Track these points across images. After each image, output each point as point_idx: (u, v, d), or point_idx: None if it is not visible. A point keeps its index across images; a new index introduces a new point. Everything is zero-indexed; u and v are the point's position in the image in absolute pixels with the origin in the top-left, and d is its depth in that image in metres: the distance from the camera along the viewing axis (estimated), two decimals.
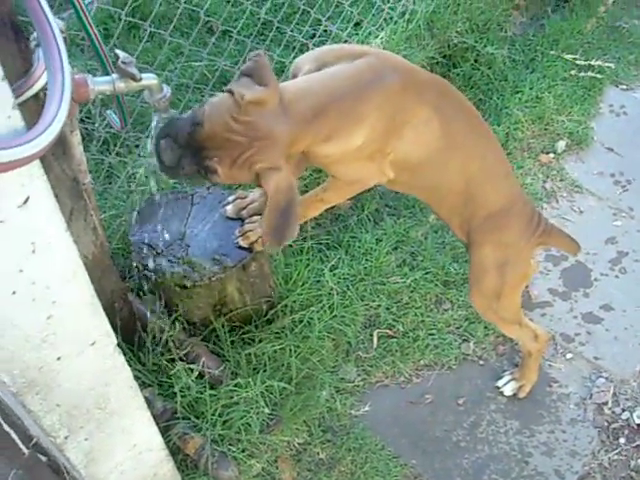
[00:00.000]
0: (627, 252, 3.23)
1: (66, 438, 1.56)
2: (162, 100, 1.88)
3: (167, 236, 2.32)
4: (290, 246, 2.77)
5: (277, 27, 3.23)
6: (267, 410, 2.32)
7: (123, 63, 1.70)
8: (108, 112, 2.06)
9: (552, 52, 3.98)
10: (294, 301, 2.60)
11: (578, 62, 3.94)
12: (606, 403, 2.73)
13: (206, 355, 2.37)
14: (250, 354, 2.43)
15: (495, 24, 3.86)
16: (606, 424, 2.68)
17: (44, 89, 1.41)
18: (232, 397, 2.30)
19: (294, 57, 2.73)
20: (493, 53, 3.74)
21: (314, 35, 3.45)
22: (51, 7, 1.23)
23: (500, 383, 2.76)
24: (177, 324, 2.37)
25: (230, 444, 2.26)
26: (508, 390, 2.73)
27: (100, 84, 1.71)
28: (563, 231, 2.50)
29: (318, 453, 2.53)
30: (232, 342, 2.45)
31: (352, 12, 3.52)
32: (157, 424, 1.87)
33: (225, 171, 1.88)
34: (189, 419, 2.28)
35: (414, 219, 3.18)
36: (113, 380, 1.57)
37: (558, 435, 2.65)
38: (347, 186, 2.20)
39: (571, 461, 2.58)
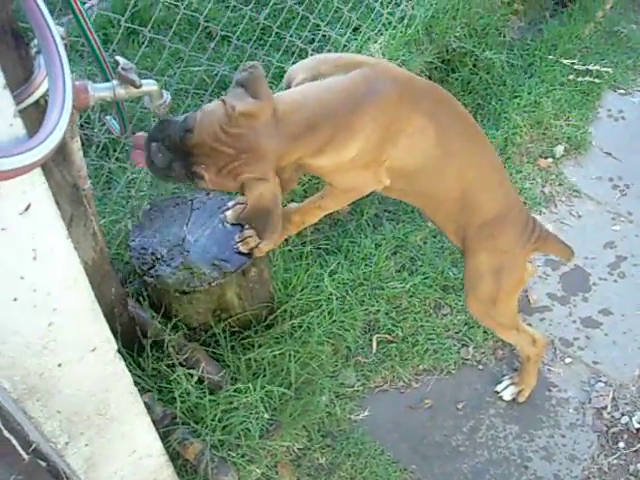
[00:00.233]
0: (626, 256, 3.23)
1: (66, 444, 1.56)
2: (162, 106, 1.88)
3: (171, 243, 2.32)
4: (289, 251, 2.78)
5: (276, 32, 3.23)
6: (267, 415, 2.32)
7: (123, 69, 1.70)
8: (108, 118, 2.06)
9: (550, 57, 3.99)
10: (293, 306, 2.60)
11: (576, 67, 3.95)
12: (605, 407, 2.73)
13: (206, 360, 2.37)
14: (250, 359, 2.43)
15: (493, 29, 3.87)
16: (605, 428, 2.68)
17: (45, 96, 1.41)
18: (232, 402, 2.30)
19: (293, 62, 2.73)
20: (491, 58, 3.74)
21: (313, 40, 3.46)
22: (51, 13, 1.23)
23: (499, 388, 2.76)
24: (177, 329, 2.37)
25: (230, 449, 2.26)
26: (507, 395, 2.74)
27: (100, 90, 1.72)
28: (558, 237, 2.51)
29: (318, 458, 2.53)
30: (232, 347, 2.45)
31: (351, 17, 3.53)
32: (157, 429, 1.87)
33: (211, 178, 1.90)
34: (189, 424, 2.27)
35: (413, 224, 3.18)
36: (113, 386, 1.57)
37: (557, 440, 2.65)
38: (344, 194, 2.21)
39: (570, 465, 2.58)
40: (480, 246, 2.30)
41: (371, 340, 2.85)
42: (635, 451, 2.62)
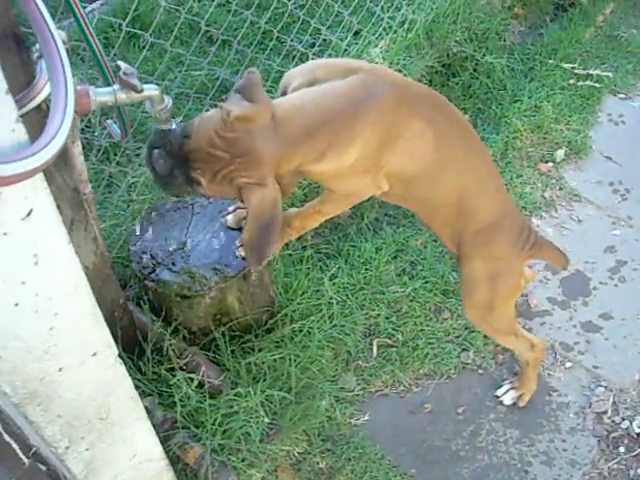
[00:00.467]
0: (626, 261, 3.23)
1: (67, 448, 1.56)
2: (163, 111, 1.89)
3: (171, 247, 2.32)
4: (290, 255, 2.78)
5: (277, 36, 3.24)
6: (267, 419, 2.32)
7: (125, 74, 1.71)
8: (108, 122, 2.07)
9: (551, 61, 4.00)
10: (294, 310, 2.60)
11: (577, 71, 3.96)
12: (605, 412, 2.73)
13: (206, 364, 2.37)
14: (250, 363, 2.43)
15: (494, 33, 3.88)
16: (606, 433, 2.68)
17: (46, 100, 1.41)
18: (232, 406, 2.30)
19: (294, 66, 2.73)
20: (492, 62, 3.75)
21: (314, 44, 3.47)
22: (52, 17, 1.23)
23: (499, 392, 2.76)
24: (177, 333, 2.37)
25: (230, 454, 2.26)
26: (507, 399, 2.74)
27: (102, 95, 1.72)
28: (553, 244, 2.51)
29: (318, 462, 2.53)
30: (232, 351, 2.45)
31: (352, 21, 3.53)
32: (157, 433, 1.87)
33: (208, 184, 1.89)
34: (189, 428, 2.27)
35: (413, 228, 3.19)
36: (114, 390, 1.57)
37: (558, 444, 2.65)
38: (343, 199, 2.20)
39: (571, 470, 2.58)
40: (475, 252, 2.30)
41: (371, 344, 2.85)
42: (635, 456, 2.62)
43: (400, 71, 3.33)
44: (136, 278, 2.43)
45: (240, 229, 2.34)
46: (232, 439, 2.27)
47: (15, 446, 1.65)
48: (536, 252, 2.40)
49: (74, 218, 1.86)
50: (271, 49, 3.33)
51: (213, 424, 2.26)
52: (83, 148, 1.83)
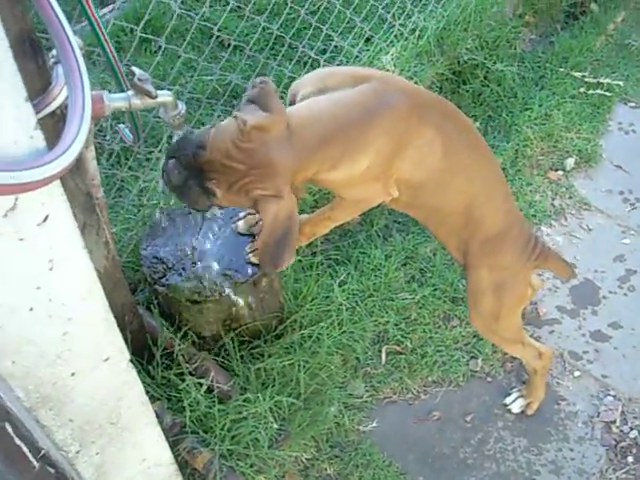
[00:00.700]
0: (635, 270, 3.22)
1: (77, 452, 1.56)
2: (177, 117, 1.89)
3: (182, 252, 2.33)
4: (299, 261, 2.78)
5: (289, 43, 3.25)
6: (276, 425, 2.32)
7: (139, 80, 1.71)
8: (121, 126, 2.08)
9: (561, 69, 4.00)
10: (303, 316, 2.61)
11: (587, 80, 3.96)
12: (614, 421, 2.72)
13: (215, 370, 2.38)
14: (259, 369, 2.44)
15: (505, 41, 3.88)
16: (614, 442, 2.67)
17: (61, 106, 1.42)
18: (241, 412, 2.30)
19: (305, 72, 2.74)
20: (502, 70, 3.75)
21: (325, 51, 3.48)
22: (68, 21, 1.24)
23: (508, 400, 2.75)
24: (187, 338, 2.38)
25: (238, 459, 2.26)
26: (516, 407, 2.73)
27: (116, 100, 1.73)
28: (559, 255, 2.52)
29: (326, 469, 2.53)
30: (241, 357, 2.45)
31: (363, 28, 3.55)
32: (166, 438, 1.87)
33: (224, 195, 1.89)
34: (198, 433, 2.28)
35: (423, 235, 3.19)
36: (125, 395, 1.58)
37: (566, 453, 2.64)
38: (353, 205, 2.21)
39: (579, 479, 2.58)
40: (481, 262, 2.30)
41: (380, 351, 2.85)
42: None
43: (411, 78, 3.34)
44: (146, 282, 2.43)
45: (251, 235, 2.34)
46: (241, 444, 2.27)
47: (25, 449, 1.66)
48: (542, 263, 2.40)
49: (86, 222, 1.86)
50: (283, 55, 3.33)
51: (222, 429, 2.27)
52: (95, 152, 1.83)
